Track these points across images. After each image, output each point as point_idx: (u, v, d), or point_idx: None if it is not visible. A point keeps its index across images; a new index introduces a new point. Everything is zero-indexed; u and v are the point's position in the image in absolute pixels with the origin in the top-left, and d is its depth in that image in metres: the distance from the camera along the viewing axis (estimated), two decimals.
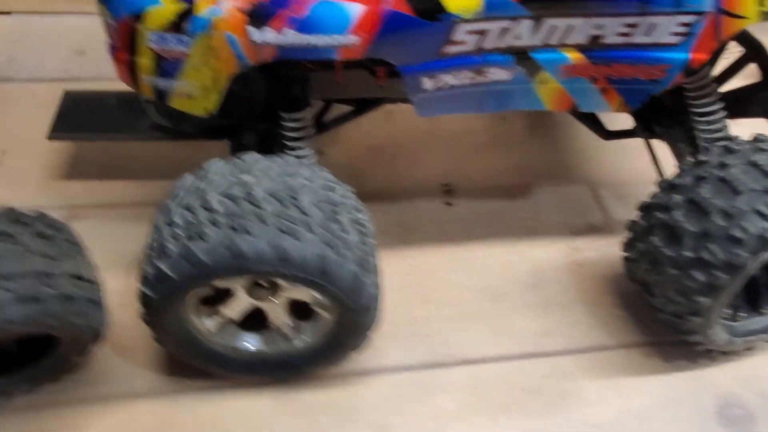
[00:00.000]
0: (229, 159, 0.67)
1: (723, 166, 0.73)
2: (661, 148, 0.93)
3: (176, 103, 0.66)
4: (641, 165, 0.98)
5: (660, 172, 0.92)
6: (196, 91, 0.64)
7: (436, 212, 0.99)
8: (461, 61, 0.68)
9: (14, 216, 0.64)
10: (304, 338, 0.71)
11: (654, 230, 0.76)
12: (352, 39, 0.61)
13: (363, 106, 0.86)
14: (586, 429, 0.76)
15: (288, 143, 0.77)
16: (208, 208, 0.60)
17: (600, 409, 0.78)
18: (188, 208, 0.61)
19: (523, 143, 1.11)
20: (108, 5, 0.60)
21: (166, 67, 0.62)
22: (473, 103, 0.74)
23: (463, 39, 0.65)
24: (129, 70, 0.64)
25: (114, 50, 0.64)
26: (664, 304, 0.78)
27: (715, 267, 0.70)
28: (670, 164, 0.89)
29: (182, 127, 0.82)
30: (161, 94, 0.65)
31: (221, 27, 0.58)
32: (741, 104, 0.90)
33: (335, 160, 1.04)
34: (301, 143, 0.78)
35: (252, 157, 0.66)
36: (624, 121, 0.96)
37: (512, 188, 1.04)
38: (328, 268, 0.61)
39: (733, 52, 0.89)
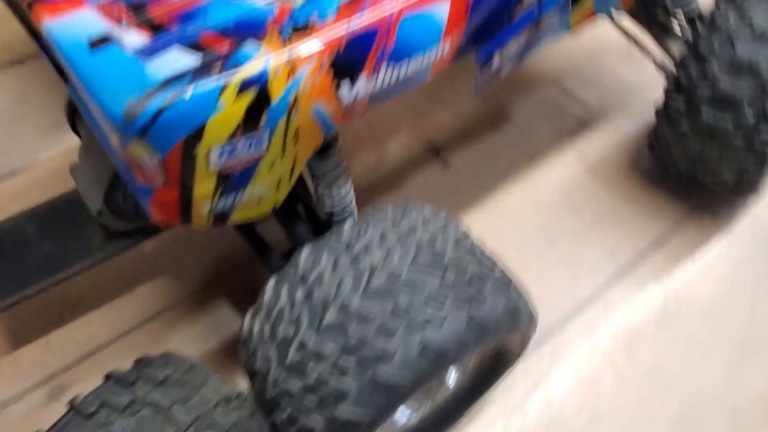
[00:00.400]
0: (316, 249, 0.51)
1: (743, 19, 0.72)
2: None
3: (239, 216, 0.46)
4: (582, 43, 0.96)
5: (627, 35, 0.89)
6: (268, 191, 0.45)
7: (437, 180, 0.89)
8: (527, 19, 0.56)
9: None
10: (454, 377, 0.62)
11: (701, 107, 0.74)
12: (445, 46, 0.46)
13: None
14: (694, 310, 0.78)
15: (328, 191, 0.61)
16: (346, 310, 0.46)
17: (694, 288, 0.81)
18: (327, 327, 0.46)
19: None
20: (149, 141, 0.37)
21: (234, 182, 0.42)
22: (517, 60, 0.63)
23: None
24: (178, 207, 0.43)
25: (151, 193, 0.42)
26: (725, 173, 0.78)
27: None
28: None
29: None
30: (221, 217, 0.45)
31: (307, 102, 0.40)
32: None
33: None
34: (343, 181, 0.62)
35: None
36: None
37: (491, 120, 0.96)
38: (518, 314, 0.50)
39: None
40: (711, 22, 0.74)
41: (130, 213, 0.61)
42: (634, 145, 0.94)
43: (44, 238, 0.64)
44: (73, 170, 0.64)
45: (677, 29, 0.83)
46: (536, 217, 0.86)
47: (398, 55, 0.43)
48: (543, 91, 1.01)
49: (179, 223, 0.45)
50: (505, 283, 0.54)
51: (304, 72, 0.39)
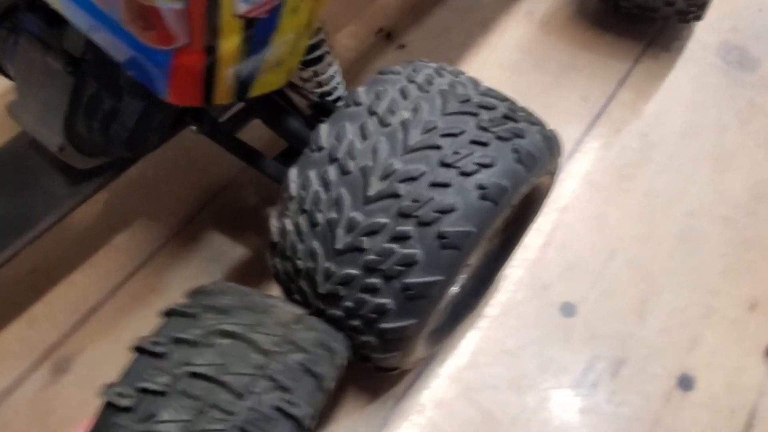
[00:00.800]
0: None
1: None
2: None
3: (259, 87, 0.41)
4: None
5: None
6: (288, 50, 0.39)
7: (396, 60, 0.83)
8: None
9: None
10: None
11: None
12: None
13: None
14: (670, 136, 0.81)
15: (320, 67, 0.56)
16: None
17: (665, 117, 0.83)
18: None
19: None
20: None
21: (258, 33, 0.36)
22: None
23: None
24: (202, 75, 0.36)
25: (168, 60, 0.35)
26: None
27: None
28: None
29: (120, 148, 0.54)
30: (244, 86, 0.39)
31: None
32: None
33: None
34: (331, 57, 0.57)
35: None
36: None
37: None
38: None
39: None
40: None
41: (98, 142, 0.54)
42: None
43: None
44: (13, 109, 0.54)
45: None
46: (504, 78, 0.85)
47: None
48: None
49: (201, 100, 0.39)
50: (531, 114, 0.53)
51: None
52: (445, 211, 0.43)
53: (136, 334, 0.42)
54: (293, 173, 0.48)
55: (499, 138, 0.46)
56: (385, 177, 0.44)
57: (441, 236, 0.43)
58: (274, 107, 0.58)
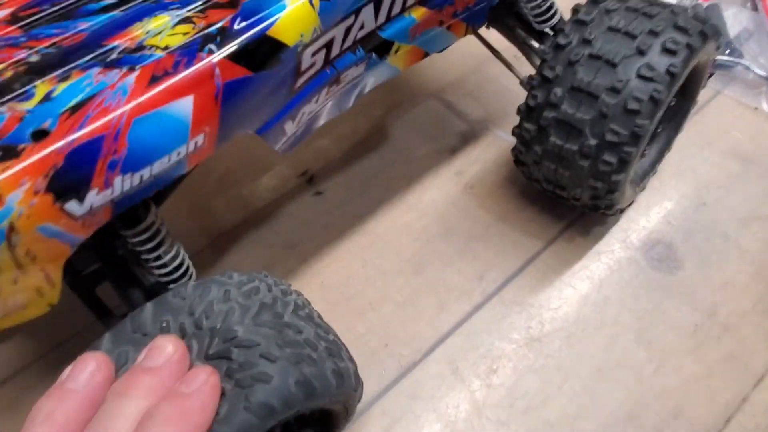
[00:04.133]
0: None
1: (585, 42, 0.71)
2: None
3: (7, 323, 0.46)
4: (462, 56, 0.95)
5: (492, 50, 0.88)
6: (30, 299, 0.45)
7: (309, 209, 0.88)
8: (315, 83, 0.55)
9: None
10: None
11: (549, 130, 0.74)
12: (197, 140, 0.45)
13: None
14: (565, 340, 0.79)
15: (148, 256, 0.60)
16: None
17: (564, 313, 0.81)
18: None
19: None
20: None
21: None
22: (332, 112, 0.62)
23: (312, 62, 0.52)
24: None
25: None
26: (580, 194, 0.79)
27: (621, 144, 0.70)
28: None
29: None
30: None
31: (27, 224, 0.39)
32: None
33: (182, 212, 0.86)
34: (165, 246, 0.61)
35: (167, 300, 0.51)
36: None
37: (369, 143, 0.96)
38: (310, 386, 0.51)
39: None
40: (555, 43, 0.73)
41: None
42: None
43: None
44: None
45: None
46: (407, 244, 0.86)
47: (134, 163, 0.42)
48: (423, 106, 1.00)
49: None
50: (337, 348, 0.54)
51: (14, 199, 0.38)
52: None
53: None
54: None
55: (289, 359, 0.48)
56: None
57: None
58: (123, 277, 0.63)
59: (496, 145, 0.96)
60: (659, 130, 0.86)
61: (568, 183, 0.78)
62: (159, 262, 0.61)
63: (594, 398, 0.75)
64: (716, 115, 1.01)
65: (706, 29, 0.72)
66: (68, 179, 0.40)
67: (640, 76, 0.69)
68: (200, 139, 0.45)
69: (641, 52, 0.69)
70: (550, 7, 0.79)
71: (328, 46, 0.53)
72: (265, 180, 0.91)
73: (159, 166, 0.44)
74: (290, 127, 0.55)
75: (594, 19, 0.72)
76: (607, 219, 0.89)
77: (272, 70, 0.48)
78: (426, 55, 0.69)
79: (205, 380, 0.40)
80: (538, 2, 0.78)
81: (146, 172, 0.43)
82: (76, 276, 0.65)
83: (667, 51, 0.69)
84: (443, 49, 0.71)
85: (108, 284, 0.65)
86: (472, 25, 0.71)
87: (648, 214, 0.90)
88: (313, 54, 0.52)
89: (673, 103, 0.84)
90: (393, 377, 0.76)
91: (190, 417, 0.38)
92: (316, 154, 0.94)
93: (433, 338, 0.79)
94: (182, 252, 0.63)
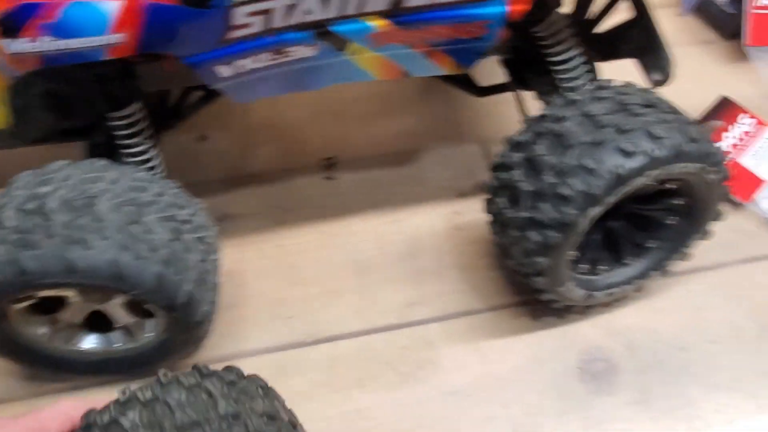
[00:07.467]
0: (38, 169, 0.67)
1: (559, 119, 0.70)
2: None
3: None
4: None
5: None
6: None
7: (315, 188, 0.97)
8: (254, 44, 0.65)
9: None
10: (147, 335, 0.73)
11: (499, 191, 0.74)
12: (116, 37, 0.60)
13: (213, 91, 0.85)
14: (441, 396, 0.76)
15: (121, 142, 0.77)
16: (1, 226, 0.61)
17: (459, 375, 0.78)
18: None
19: (415, 106, 1.08)
20: None
21: None
22: (288, 83, 0.72)
23: (246, 22, 0.63)
24: None
25: None
26: (516, 266, 0.76)
27: (547, 226, 0.67)
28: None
29: (31, 132, 0.82)
30: None
31: None
32: (613, 45, 0.85)
33: (217, 145, 1.03)
34: (136, 140, 0.77)
35: (54, 166, 0.67)
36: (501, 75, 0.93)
37: (399, 155, 1.01)
38: (125, 272, 0.61)
39: None
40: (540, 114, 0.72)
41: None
42: None
43: None
44: None
45: None
46: (368, 248, 0.90)
47: (60, 31, 0.58)
48: (465, 146, 1.02)
49: None
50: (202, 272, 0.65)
51: None
52: None
53: None
54: None
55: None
56: None
57: None
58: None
59: None
60: (649, 245, 0.77)
61: (509, 250, 0.75)
62: (128, 150, 0.78)
63: None
64: None
65: (687, 148, 0.65)
66: (9, 23, 0.57)
67: (581, 166, 0.65)
68: (119, 37, 0.59)
69: (597, 144, 0.66)
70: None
71: (267, 14, 0.63)
72: (296, 150, 1.03)
73: (78, 43, 0.59)
74: (225, 71, 0.67)
75: (584, 99, 0.70)
76: (564, 314, 0.82)
77: (200, 11, 0.60)
78: (406, 74, 0.75)
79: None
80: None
81: (70, 43, 0.59)
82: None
83: (623, 152, 0.64)
84: (428, 76, 0.76)
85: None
86: (459, 62, 0.74)
87: (600, 324, 0.81)
88: (249, 14, 0.62)
89: (671, 221, 0.75)
90: (279, 344, 0.82)
91: None
92: (350, 148, 1.03)
93: (329, 333, 0.82)
94: (155, 155, 0.78)
